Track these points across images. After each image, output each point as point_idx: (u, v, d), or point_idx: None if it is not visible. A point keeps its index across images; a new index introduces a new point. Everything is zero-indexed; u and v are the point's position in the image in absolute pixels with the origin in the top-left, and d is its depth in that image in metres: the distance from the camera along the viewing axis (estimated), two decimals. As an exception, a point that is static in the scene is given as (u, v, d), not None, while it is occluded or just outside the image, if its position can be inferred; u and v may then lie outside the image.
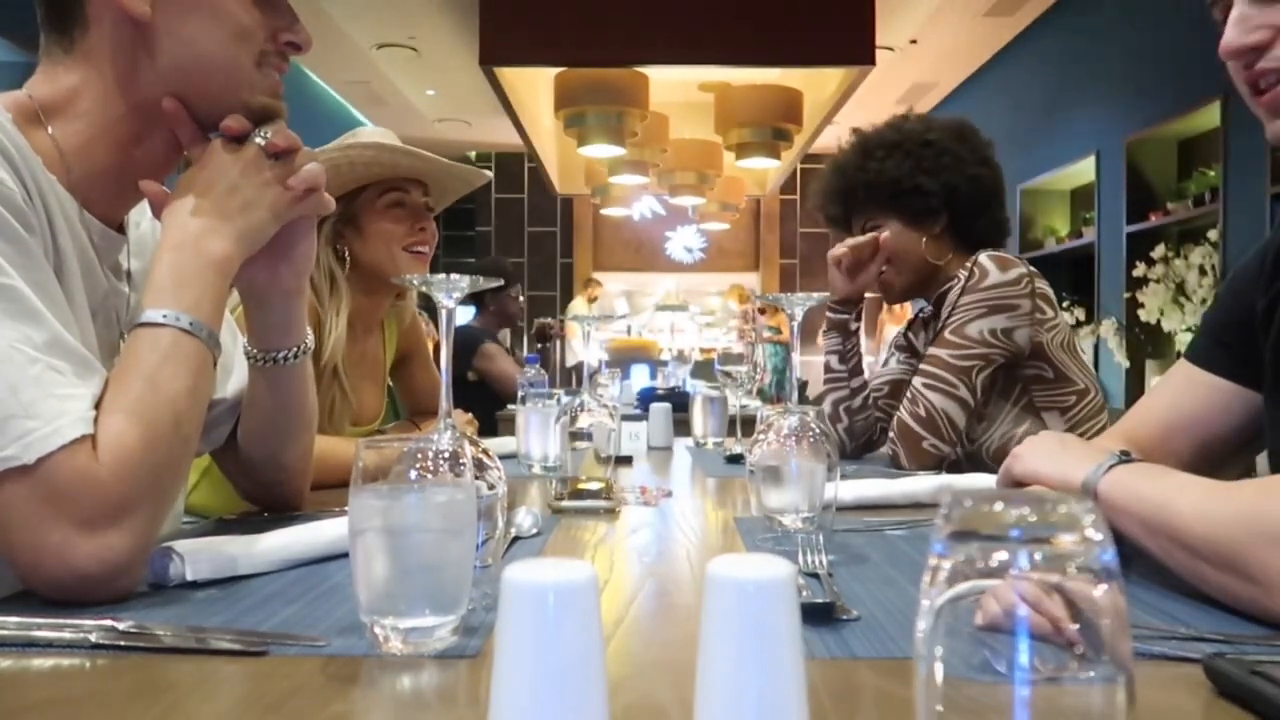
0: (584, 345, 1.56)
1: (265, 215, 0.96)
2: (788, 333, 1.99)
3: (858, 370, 1.88)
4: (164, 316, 0.86)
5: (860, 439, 1.89)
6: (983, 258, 1.70)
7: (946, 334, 1.69)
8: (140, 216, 1.09)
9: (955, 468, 1.71)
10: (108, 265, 0.99)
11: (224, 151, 0.95)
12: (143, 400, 0.82)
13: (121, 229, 1.03)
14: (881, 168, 1.80)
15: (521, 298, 5.00)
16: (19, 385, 0.76)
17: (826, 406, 1.88)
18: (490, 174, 1.86)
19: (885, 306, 8.14)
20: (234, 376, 1.14)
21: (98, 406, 0.80)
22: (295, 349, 1.08)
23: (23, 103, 0.92)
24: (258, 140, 0.96)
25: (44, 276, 0.84)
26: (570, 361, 8.70)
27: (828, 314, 1.87)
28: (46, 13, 0.94)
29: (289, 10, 0.99)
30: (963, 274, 1.71)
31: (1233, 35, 0.88)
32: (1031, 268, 1.74)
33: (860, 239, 1.82)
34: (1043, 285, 1.71)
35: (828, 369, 1.89)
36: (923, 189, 1.79)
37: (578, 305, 9.96)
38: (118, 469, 0.78)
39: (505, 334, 5.02)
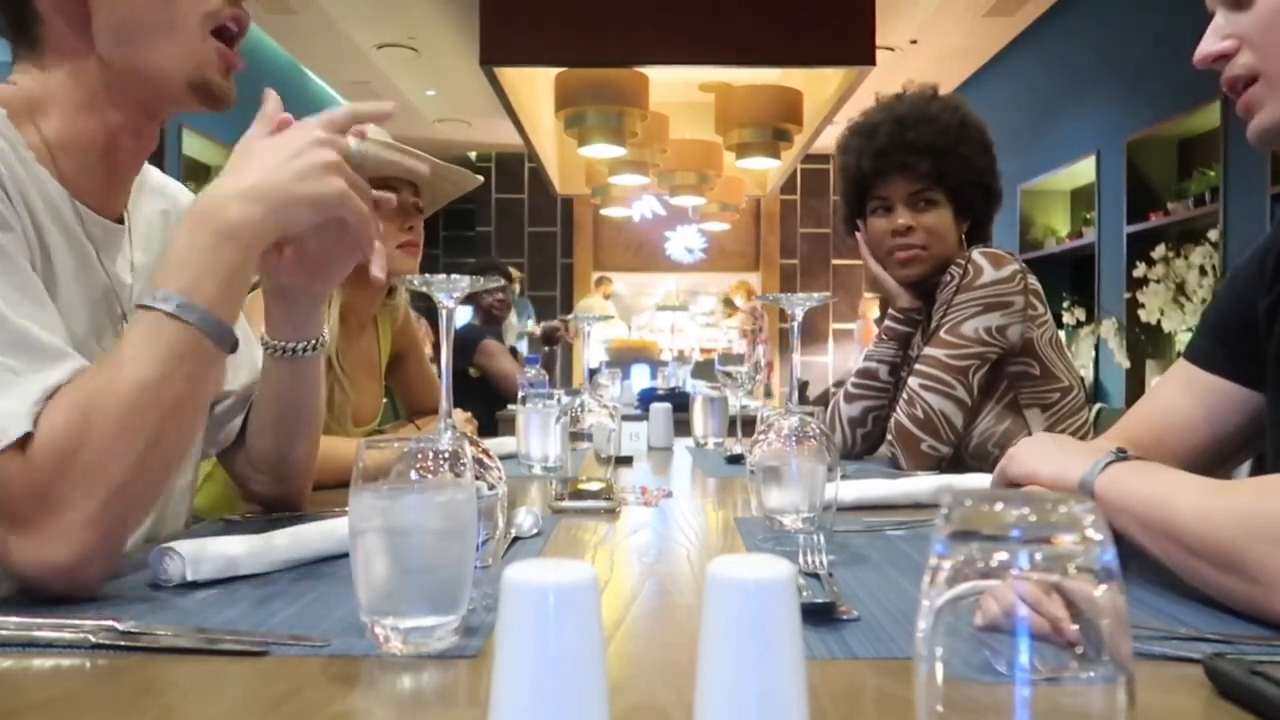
0: (585, 345, 1.56)
1: (311, 192, 0.89)
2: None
3: (899, 384, 1.84)
4: (152, 298, 0.83)
5: (876, 443, 1.87)
6: (976, 254, 1.69)
7: (942, 333, 1.68)
8: (145, 208, 1.09)
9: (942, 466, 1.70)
10: (106, 257, 0.99)
11: (309, 124, 0.92)
12: (92, 388, 0.78)
13: (121, 220, 1.03)
14: (972, 154, 1.76)
15: (504, 295, 4.94)
16: None
17: (855, 410, 1.85)
18: (482, 178, 1.86)
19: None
20: (243, 371, 1.14)
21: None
22: (313, 341, 1.09)
23: (11, 97, 0.92)
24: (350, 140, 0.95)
25: (21, 277, 0.83)
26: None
27: (890, 324, 1.83)
28: (6, 19, 0.95)
29: None
30: (956, 271, 1.70)
31: (1203, 44, 0.93)
32: (1022, 263, 1.74)
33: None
34: (1033, 281, 1.71)
35: (873, 376, 1.84)
36: (990, 190, 1.80)
37: (595, 303, 9.88)
38: (48, 461, 0.75)
39: (509, 329, 5.01)
